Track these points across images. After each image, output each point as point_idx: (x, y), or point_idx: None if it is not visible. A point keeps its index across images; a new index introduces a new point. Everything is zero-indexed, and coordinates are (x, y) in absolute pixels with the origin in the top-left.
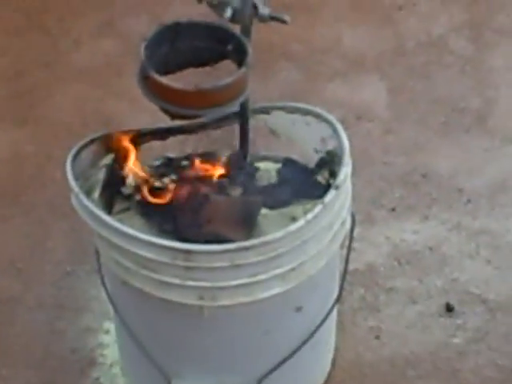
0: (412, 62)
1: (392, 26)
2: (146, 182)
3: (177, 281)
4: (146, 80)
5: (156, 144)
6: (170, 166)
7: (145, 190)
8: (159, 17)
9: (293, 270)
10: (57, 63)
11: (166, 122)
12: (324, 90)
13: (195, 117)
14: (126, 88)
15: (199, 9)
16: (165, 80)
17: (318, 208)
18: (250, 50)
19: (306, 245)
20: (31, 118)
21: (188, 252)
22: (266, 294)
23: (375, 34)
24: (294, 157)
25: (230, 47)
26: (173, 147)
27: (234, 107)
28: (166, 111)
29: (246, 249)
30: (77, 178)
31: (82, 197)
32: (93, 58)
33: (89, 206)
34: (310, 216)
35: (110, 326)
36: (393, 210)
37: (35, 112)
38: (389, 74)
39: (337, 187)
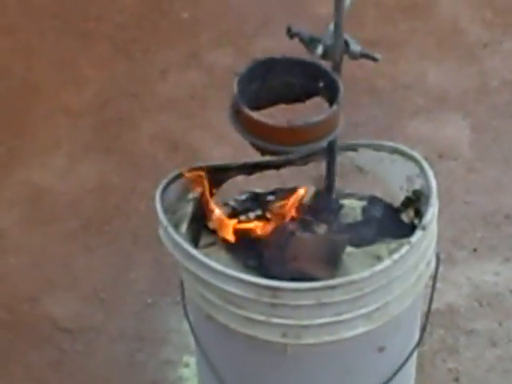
0: (496, 101)
1: (476, 64)
2: (232, 217)
3: (262, 317)
4: (237, 115)
5: (242, 177)
6: (255, 200)
7: (230, 226)
8: (243, 50)
9: (377, 309)
10: (143, 94)
11: (249, 156)
12: (407, 127)
13: (285, 153)
14: (210, 120)
15: (283, 43)
16: (257, 116)
17: (405, 248)
18: (341, 87)
19: (392, 285)
20: (117, 149)
21: (275, 289)
22: (350, 334)
23: (459, 71)
24: (379, 194)
25: (321, 84)
26: (257, 181)
27: (325, 144)
28: (256, 147)
29: (333, 287)
30: (165, 212)
31: (171, 230)
32: (178, 89)
33: (177, 239)
34: (396, 256)
35: (190, 359)
36: (474, 250)
37: (121, 142)
38: (472, 113)
39: (424, 228)
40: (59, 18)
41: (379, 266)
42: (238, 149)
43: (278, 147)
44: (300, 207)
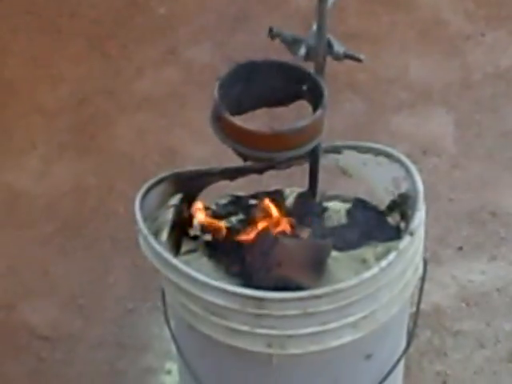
0: (479, 95)
1: (459, 57)
2: (214, 222)
3: (246, 328)
4: (219, 120)
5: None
6: (237, 204)
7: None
8: (222, 45)
9: (364, 317)
10: (119, 92)
11: (230, 156)
12: (389, 123)
13: (269, 159)
14: (189, 118)
15: (261, 38)
16: (239, 122)
17: (393, 255)
18: (325, 91)
19: (379, 292)
20: (93, 149)
21: (259, 299)
22: (336, 343)
23: (442, 64)
24: (364, 196)
25: (305, 87)
26: (239, 183)
27: (309, 149)
28: (239, 153)
29: (318, 297)
30: (145, 219)
31: (151, 239)
32: (155, 87)
33: (158, 249)
34: (384, 263)
35: (172, 366)
36: (460, 248)
37: (97, 142)
38: (456, 107)
39: (411, 233)
40: (32, 14)
41: (366, 274)
42: (218, 148)
43: (261, 153)
44: (283, 211)
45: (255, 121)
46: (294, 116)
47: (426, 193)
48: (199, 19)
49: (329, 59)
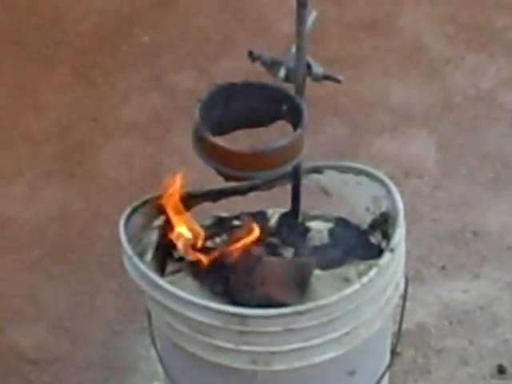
0: (460, 117)
1: (440, 80)
2: (197, 243)
3: (230, 345)
4: (200, 141)
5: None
6: (221, 225)
7: (196, 252)
8: (206, 71)
9: (347, 334)
10: (105, 118)
11: (214, 179)
12: (372, 145)
13: (250, 179)
14: (174, 143)
15: (245, 64)
16: (220, 142)
17: (374, 271)
18: (305, 110)
19: (361, 308)
20: (79, 175)
21: (243, 316)
22: (319, 359)
23: (423, 87)
24: (345, 216)
25: (284, 108)
26: (222, 205)
27: (289, 169)
28: (220, 173)
29: (301, 313)
30: (129, 240)
31: (136, 260)
32: (141, 113)
33: (142, 269)
34: (365, 279)
35: None
36: (443, 268)
37: (83, 168)
38: (437, 129)
39: (392, 250)
40: (18, 44)
41: (347, 290)
42: (202, 172)
43: (242, 173)
44: (266, 231)
45: (238, 142)
46: (278, 136)
47: (408, 213)
48: (183, 46)
49: (309, 82)
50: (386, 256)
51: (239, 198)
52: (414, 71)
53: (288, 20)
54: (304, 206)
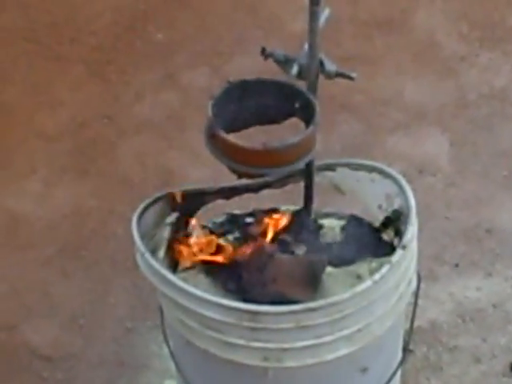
0: (474, 114)
1: (454, 78)
2: (211, 240)
3: (242, 342)
4: (213, 138)
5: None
6: (233, 222)
7: (209, 249)
8: (219, 69)
9: (359, 330)
10: (118, 116)
11: (227, 177)
12: (385, 143)
13: (262, 175)
14: (187, 141)
15: (259, 62)
16: (232, 139)
17: (386, 268)
18: (317, 107)
19: (373, 305)
20: (93, 172)
21: (254, 313)
22: (331, 356)
23: (437, 85)
24: (358, 213)
25: (297, 105)
26: (236, 202)
27: (301, 166)
28: (232, 170)
29: (313, 310)
30: (142, 237)
31: (148, 257)
32: (154, 111)
33: (155, 266)
34: (377, 276)
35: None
36: (456, 265)
37: (97, 165)
38: (451, 127)
39: (404, 247)
40: (32, 42)
41: (360, 287)
42: (215, 170)
43: (254, 170)
44: (279, 228)
45: (251, 139)
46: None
47: (422, 211)
48: (197, 44)
49: (324, 79)
50: (398, 253)
51: (252, 195)
52: (428, 69)
53: (301, 18)
54: (317, 203)
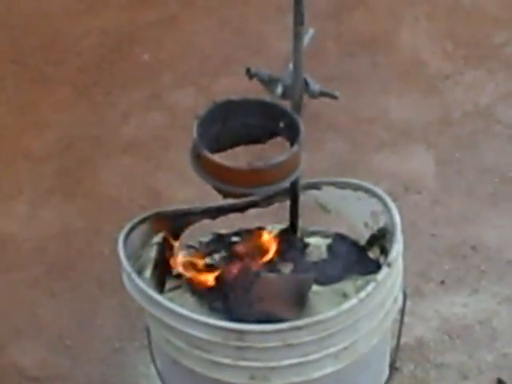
0: (459, 132)
1: (438, 96)
2: (197, 260)
3: (228, 361)
4: (198, 158)
5: None
6: (219, 242)
7: (194, 269)
8: (205, 89)
9: (345, 349)
10: (105, 137)
11: (214, 197)
12: (371, 161)
13: (248, 195)
14: (173, 161)
15: (244, 82)
16: (217, 159)
17: (371, 286)
18: (302, 127)
19: (359, 323)
20: (80, 193)
21: (241, 332)
22: (318, 374)
23: (422, 103)
24: (344, 231)
25: (281, 124)
26: (222, 221)
27: (286, 185)
28: (218, 190)
29: (299, 328)
30: (129, 257)
31: (135, 276)
32: (140, 132)
33: (141, 285)
34: (363, 294)
35: None
36: (442, 282)
37: (84, 186)
38: (436, 145)
39: (389, 264)
40: (18, 63)
41: (345, 305)
42: (202, 190)
43: (239, 189)
44: (265, 247)
45: (236, 159)
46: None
47: (407, 229)
48: (183, 64)
49: (308, 99)
50: (384, 271)
51: (238, 214)
52: (413, 87)
53: (286, 37)
54: (302, 221)
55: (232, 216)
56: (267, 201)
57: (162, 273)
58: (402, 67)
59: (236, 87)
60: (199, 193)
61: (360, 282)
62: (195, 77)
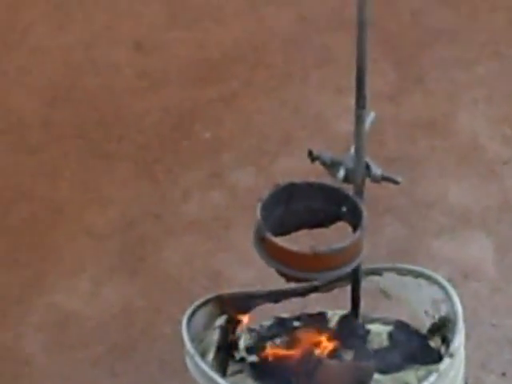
0: None
1: (497, 181)
2: (259, 344)
3: None
4: (262, 241)
5: None
6: (281, 326)
7: (257, 354)
8: (265, 169)
9: None
10: (166, 215)
11: (274, 279)
12: (430, 247)
13: (310, 280)
14: (233, 241)
15: (304, 162)
16: (281, 242)
17: (434, 376)
18: (364, 212)
19: None
20: (141, 271)
21: None
22: None
23: (480, 188)
24: (405, 318)
25: (344, 209)
26: (283, 304)
27: (349, 270)
28: (281, 273)
29: None
30: (192, 340)
31: (198, 359)
32: (201, 210)
33: (205, 369)
34: None
35: None
36: (503, 374)
37: (145, 265)
38: (495, 231)
39: (451, 355)
40: (82, 139)
41: None
42: (262, 272)
43: (302, 274)
44: (326, 333)
45: (298, 243)
46: (338, 237)
47: (467, 318)
48: (243, 143)
49: (368, 182)
50: (446, 361)
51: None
52: (472, 172)
53: (346, 118)
54: (363, 307)
55: (293, 300)
56: (328, 285)
57: (225, 356)
58: (461, 151)
59: (296, 168)
60: (259, 275)
61: (422, 371)
62: (255, 156)
